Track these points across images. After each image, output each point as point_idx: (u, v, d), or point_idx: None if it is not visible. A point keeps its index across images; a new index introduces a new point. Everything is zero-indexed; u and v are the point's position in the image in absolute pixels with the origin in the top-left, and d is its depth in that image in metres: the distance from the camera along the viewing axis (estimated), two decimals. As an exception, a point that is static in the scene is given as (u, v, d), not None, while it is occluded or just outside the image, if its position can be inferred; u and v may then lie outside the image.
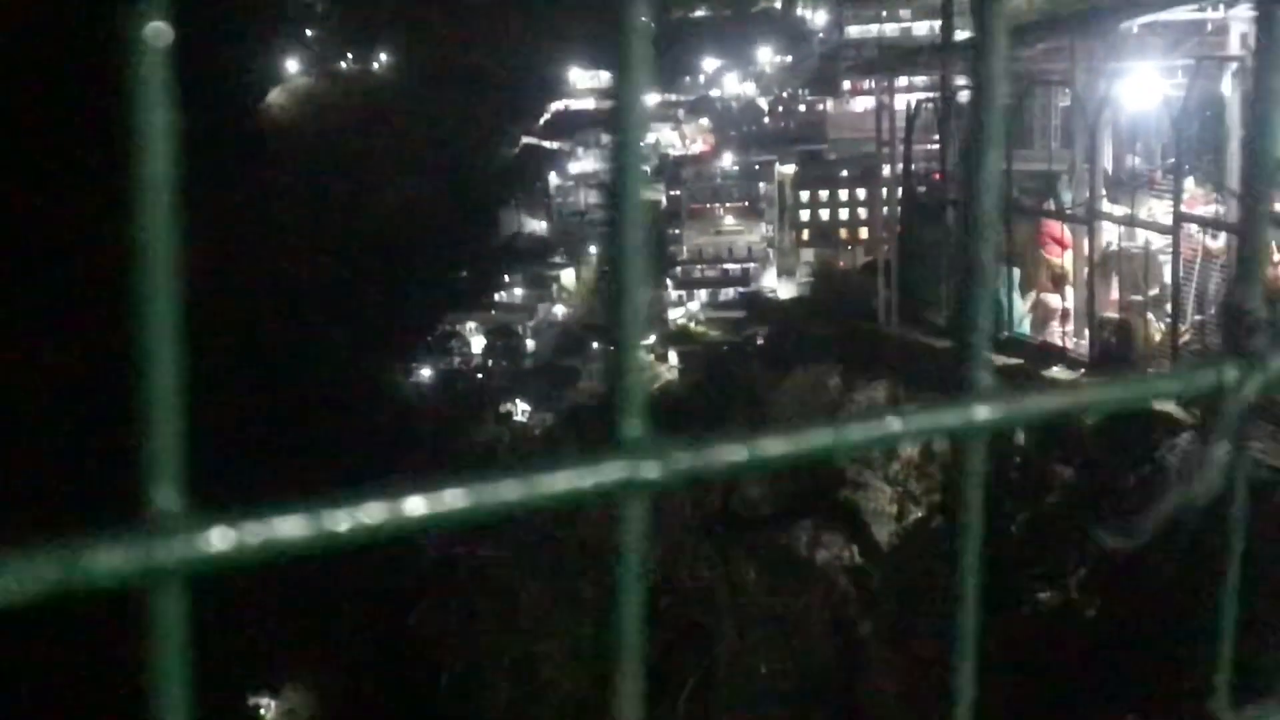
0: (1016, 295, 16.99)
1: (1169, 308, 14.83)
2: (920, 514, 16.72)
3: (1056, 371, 15.72)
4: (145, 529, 0.61)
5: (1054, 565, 13.81)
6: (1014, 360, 16.39)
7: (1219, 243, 14.47)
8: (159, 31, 0.59)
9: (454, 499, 0.65)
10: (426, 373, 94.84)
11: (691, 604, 18.70)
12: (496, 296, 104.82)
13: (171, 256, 0.58)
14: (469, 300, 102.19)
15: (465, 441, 68.37)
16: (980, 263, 0.77)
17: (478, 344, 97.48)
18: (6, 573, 0.57)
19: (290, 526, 0.63)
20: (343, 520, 0.64)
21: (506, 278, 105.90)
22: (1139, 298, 15.46)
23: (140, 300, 0.59)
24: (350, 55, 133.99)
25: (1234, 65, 14.98)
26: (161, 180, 0.58)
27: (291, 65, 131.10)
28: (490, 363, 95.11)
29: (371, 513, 0.64)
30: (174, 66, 0.57)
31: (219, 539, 0.62)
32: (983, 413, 0.88)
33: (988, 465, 0.86)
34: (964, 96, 20.10)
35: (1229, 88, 15.09)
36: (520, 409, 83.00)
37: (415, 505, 0.65)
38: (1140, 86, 16.76)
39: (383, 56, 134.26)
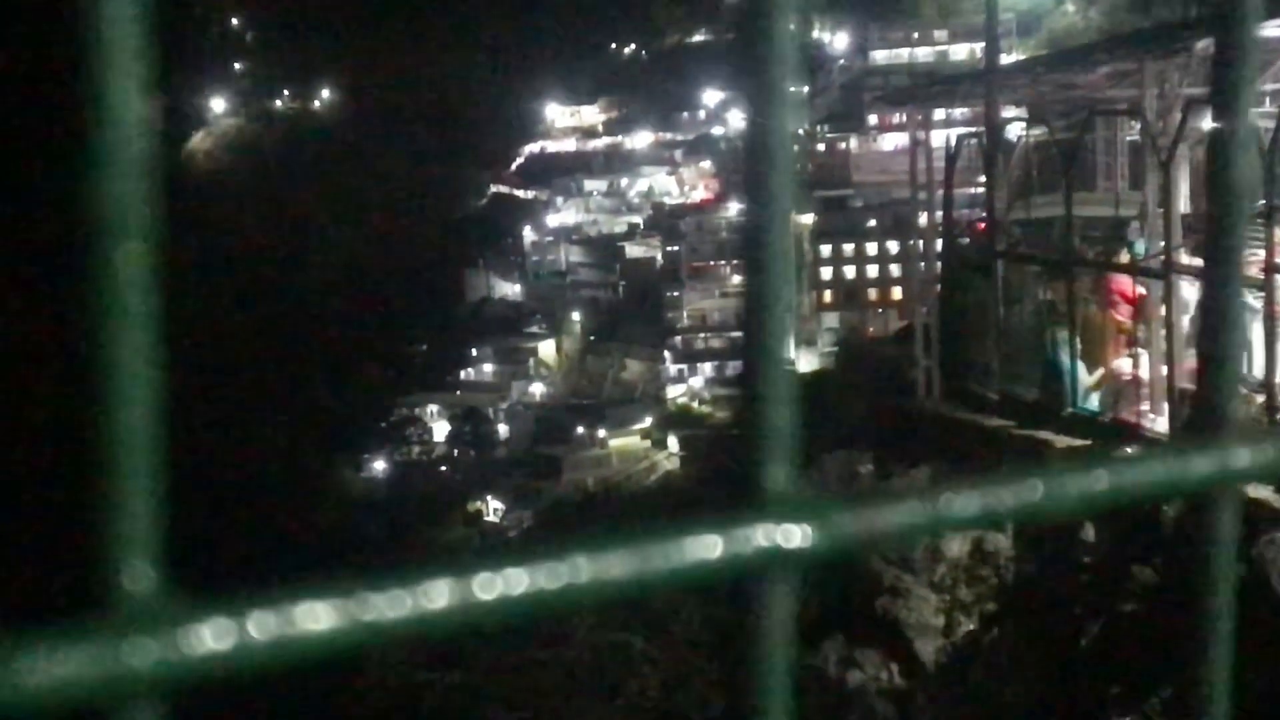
0: (1081, 364, 17.03)
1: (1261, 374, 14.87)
2: (972, 626, 16.65)
3: (1130, 454, 15.73)
4: (110, 622, 0.54)
5: (1133, 683, 13.74)
6: (1080, 441, 16.42)
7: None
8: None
9: (540, 577, 0.61)
10: (380, 465, 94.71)
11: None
12: (462, 374, 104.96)
13: (149, 259, 0.53)
14: (429, 379, 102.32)
15: (426, 546, 68.14)
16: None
17: (440, 430, 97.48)
18: None
19: (316, 617, 0.57)
20: (391, 606, 0.57)
21: (474, 351, 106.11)
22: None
23: (108, 308, 0.54)
24: (286, 92, 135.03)
25: (1332, 89, 15.12)
26: (134, 200, 0.55)
27: (217, 105, 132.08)
28: (455, 452, 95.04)
29: (432, 595, 0.59)
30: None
31: (214, 636, 0.55)
32: (1241, 458, 0.84)
33: (1233, 529, 0.84)
34: (1014, 131, 20.27)
35: (1326, 116, 15.22)
36: (492, 507, 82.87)
37: (491, 584, 0.60)
38: (1221, 116, 16.89)
39: (325, 93, 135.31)
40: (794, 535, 0.68)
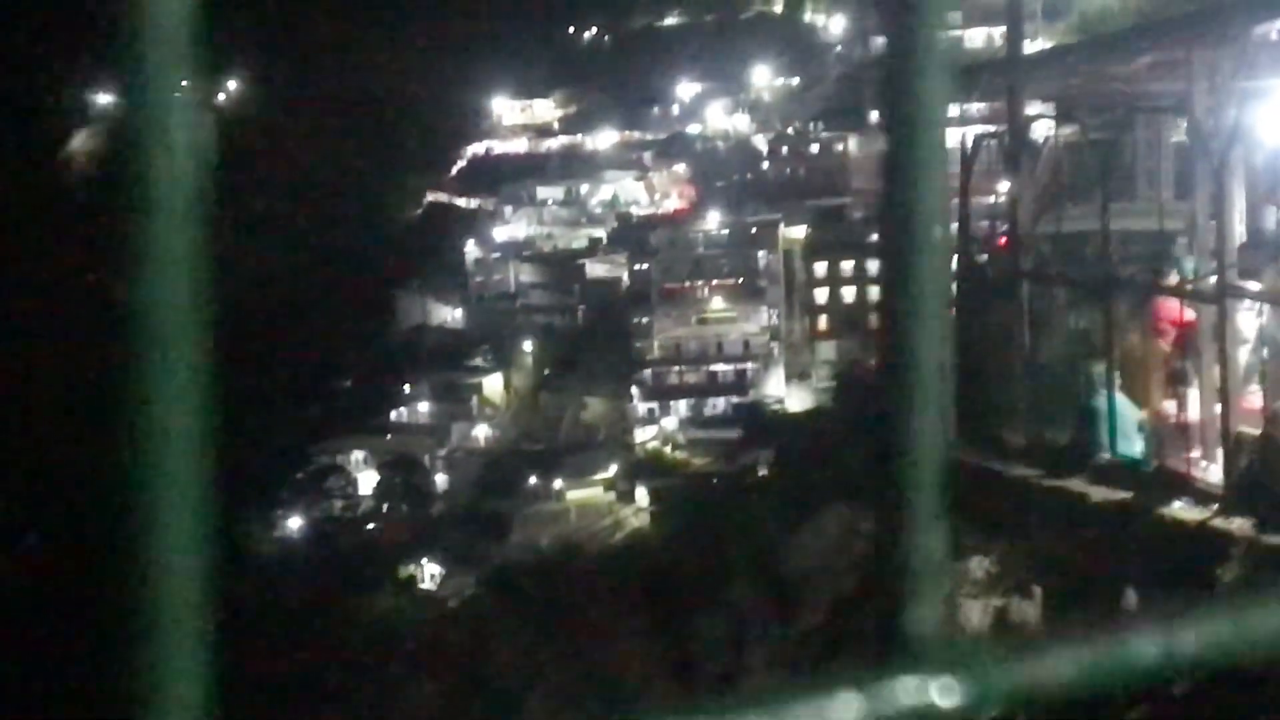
0: (1124, 401, 17.06)
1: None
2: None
3: (1179, 508, 15.75)
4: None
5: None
6: (1120, 494, 16.43)
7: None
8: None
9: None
10: (294, 523, 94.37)
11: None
12: (393, 414, 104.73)
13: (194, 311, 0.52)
14: (354, 420, 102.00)
15: (350, 619, 67.86)
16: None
17: (367, 481, 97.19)
18: None
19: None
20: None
21: (407, 388, 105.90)
22: (1290, 404, 15.56)
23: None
24: (185, 83, 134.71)
25: None
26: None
27: (103, 98, 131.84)
28: (385, 507, 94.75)
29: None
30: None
31: None
32: None
33: None
34: (1041, 130, 20.34)
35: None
36: (428, 571, 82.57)
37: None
38: (1283, 113, 16.98)
39: (231, 84, 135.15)
40: (948, 691, 0.66)
